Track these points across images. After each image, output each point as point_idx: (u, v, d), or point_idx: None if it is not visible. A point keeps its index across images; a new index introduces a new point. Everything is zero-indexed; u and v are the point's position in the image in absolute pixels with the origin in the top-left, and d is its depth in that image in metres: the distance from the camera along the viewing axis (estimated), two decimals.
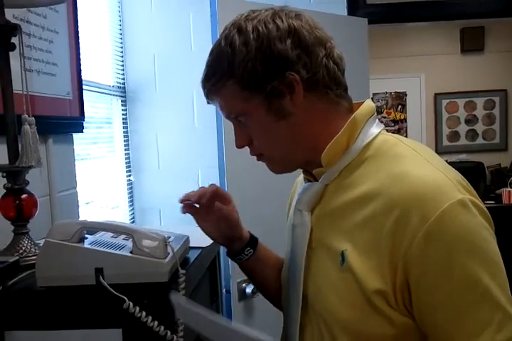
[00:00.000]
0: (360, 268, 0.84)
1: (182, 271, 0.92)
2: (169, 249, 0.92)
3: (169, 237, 0.97)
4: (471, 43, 6.51)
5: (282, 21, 0.91)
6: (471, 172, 6.34)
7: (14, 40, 1.08)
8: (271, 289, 1.16)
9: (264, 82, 0.90)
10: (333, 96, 0.94)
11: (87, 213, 2.00)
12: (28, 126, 1.09)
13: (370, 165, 0.90)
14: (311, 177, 0.99)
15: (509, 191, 4.86)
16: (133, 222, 2.63)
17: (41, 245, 0.91)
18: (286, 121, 0.92)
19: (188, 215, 1.07)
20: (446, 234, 0.78)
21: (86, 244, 0.91)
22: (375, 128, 0.95)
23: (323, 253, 0.93)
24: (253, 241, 1.14)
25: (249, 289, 2.18)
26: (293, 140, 0.94)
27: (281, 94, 0.91)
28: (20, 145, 1.09)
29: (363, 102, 0.98)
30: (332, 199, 0.93)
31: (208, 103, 0.99)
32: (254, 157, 1.00)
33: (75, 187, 1.66)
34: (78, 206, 1.68)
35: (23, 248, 1.08)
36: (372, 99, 6.43)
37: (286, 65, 0.90)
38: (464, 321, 0.79)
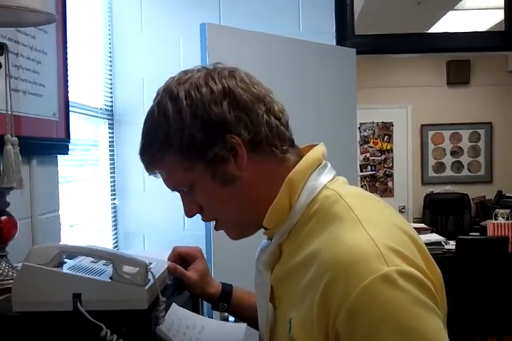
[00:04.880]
0: (300, 340, 0.81)
1: (162, 299, 0.89)
2: (150, 276, 0.90)
3: (151, 263, 0.95)
4: (457, 76, 6.64)
5: (216, 83, 0.87)
6: (456, 203, 6.39)
7: (1, 59, 1.07)
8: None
9: (205, 148, 0.86)
10: (278, 153, 0.90)
11: (70, 236, 1.97)
12: (10, 146, 1.07)
13: (316, 224, 0.86)
14: None
15: (493, 223, 4.87)
16: (116, 246, 2.59)
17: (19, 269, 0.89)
18: (233, 186, 0.89)
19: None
20: (368, 313, 0.73)
21: (64, 269, 0.88)
22: (324, 178, 0.90)
23: (281, 316, 0.89)
24: (226, 293, 1.15)
25: (231, 317, 2.14)
26: (243, 203, 0.91)
27: (225, 159, 0.87)
28: (1, 166, 1.07)
29: (313, 146, 0.94)
30: (288, 260, 0.89)
31: (150, 175, 0.94)
32: None
33: (58, 210, 1.64)
34: (60, 229, 1.66)
35: (0, 271, 1.05)
36: (359, 128, 6.52)
37: (225, 129, 0.86)
38: None
